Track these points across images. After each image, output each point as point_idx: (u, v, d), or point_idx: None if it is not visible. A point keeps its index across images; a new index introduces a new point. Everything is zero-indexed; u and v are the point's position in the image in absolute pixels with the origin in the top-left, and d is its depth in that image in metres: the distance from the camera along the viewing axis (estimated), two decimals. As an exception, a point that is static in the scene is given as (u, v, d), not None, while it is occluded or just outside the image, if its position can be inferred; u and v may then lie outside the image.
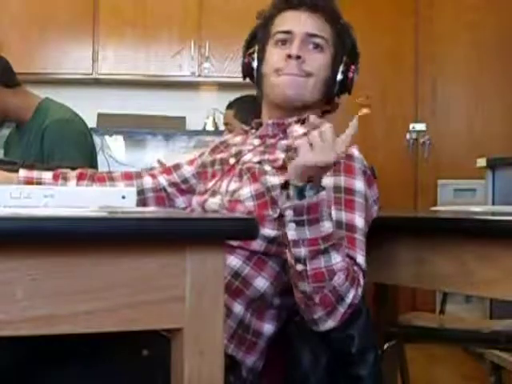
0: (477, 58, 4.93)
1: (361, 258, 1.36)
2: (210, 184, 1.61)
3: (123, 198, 1.26)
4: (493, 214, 2.11)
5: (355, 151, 1.48)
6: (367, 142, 4.84)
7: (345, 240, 1.36)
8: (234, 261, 1.42)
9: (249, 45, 1.68)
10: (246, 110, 3.42)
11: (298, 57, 1.56)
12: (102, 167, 3.91)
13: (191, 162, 1.74)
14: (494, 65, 4.94)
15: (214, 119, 5.21)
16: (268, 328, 1.44)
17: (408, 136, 4.99)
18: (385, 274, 1.80)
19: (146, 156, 5.19)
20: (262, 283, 1.43)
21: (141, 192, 1.69)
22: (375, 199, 1.50)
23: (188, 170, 1.73)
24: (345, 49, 1.61)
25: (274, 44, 1.61)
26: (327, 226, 1.27)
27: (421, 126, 4.99)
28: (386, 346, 2.14)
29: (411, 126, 4.99)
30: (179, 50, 4.98)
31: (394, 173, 4.83)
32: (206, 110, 5.24)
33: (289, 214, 1.28)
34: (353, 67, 1.62)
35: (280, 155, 1.52)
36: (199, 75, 5.08)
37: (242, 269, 1.43)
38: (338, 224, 1.37)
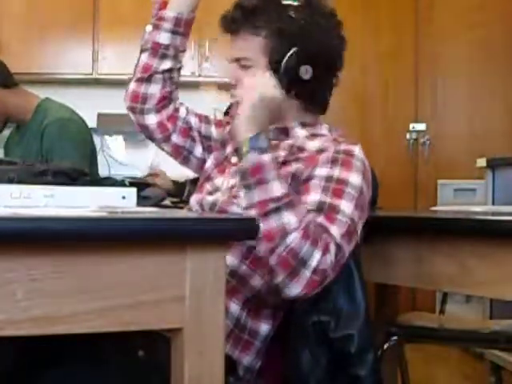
0: (477, 58, 4.93)
1: (336, 232, 1.33)
2: (216, 181, 1.61)
3: (123, 198, 1.26)
4: (493, 214, 2.11)
5: (357, 149, 1.48)
6: (367, 142, 4.84)
7: (321, 214, 1.35)
8: (230, 259, 1.43)
9: None
10: None
11: (232, 84, 1.61)
12: (102, 167, 3.90)
13: (219, 125, 1.75)
14: (494, 65, 4.93)
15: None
16: (264, 327, 1.44)
17: (408, 136, 4.99)
18: (385, 274, 1.80)
19: (146, 156, 5.18)
20: (257, 281, 1.43)
21: (176, 111, 1.70)
22: (368, 201, 1.48)
23: (214, 132, 1.73)
24: (287, 45, 1.52)
25: None
26: (277, 187, 1.29)
27: (421, 126, 4.99)
28: (385, 346, 2.14)
29: (411, 125, 4.99)
30: (179, 50, 4.98)
31: (394, 173, 4.83)
32: (206, 110, 5.23)
33: (238, 181, 1.33)
34: (297, 60, 1.51)
35: (281, 153, 1.52)
36: (199, 75, 5.07)
37: (238, 268, 1.43)
38: (320, 204, 1.36)
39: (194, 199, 1.63)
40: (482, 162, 3.76)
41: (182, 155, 1.72)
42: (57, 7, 4.89)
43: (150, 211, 1.25)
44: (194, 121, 1.72)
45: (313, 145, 1.52)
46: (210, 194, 1.58)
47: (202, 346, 1.04)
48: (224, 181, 1.57)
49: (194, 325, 1.04)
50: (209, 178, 1.64)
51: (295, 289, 1.29)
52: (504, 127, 4.91)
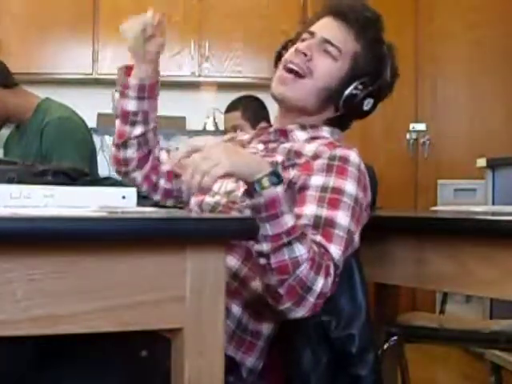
0: (477, 58, 4.93)
1: (335, 251, 1.34)
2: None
3: (123, 198, 1.26)
4: (493, 214, 2.11)
5: (352, 155, 1.47)
6: (367, 142, 4.84)
7: (319, 231, 1.35)
8: (233, 261, 1.42)
9: (285, 45, 1.69)
10: (253, 109, 3.40)
11: (304, 54, 1.57)
12: (102, 167, 3.90)
13: None
14: (494, 65, 4.94)
15: (214, 119, 5.21)
16: (266, 328, 1.44)
17: (408, 136, 4.99)
18: (385, 274, 1.80)
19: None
20: (259, 283, 1.42)
21: (156, 160, 1.71)
22: (366, 205, 1.48)
23: None
24: (370, 71, 1.59)
25: (298, 42, 1.64)
26: (288, 219, 1.26)
27: (421, 126, 4.99)
28: (385, 346, 2.14)
29: (411, 125, 4.99)
30: (179, 50, 4.99)
31: (394, 173, 4.83)
32: (205, 109, 5.24)
33: (248, 212, 1.29)
34: (364, 95, 1.59)
35: (278, 158, 1.52)
36: (199, 75, 5.08)
37: (240, 270, 1.43)
38: (317, 219, 1.36)
39: (193, 201, 1.63)
40: (482, 162, 3.76)
41: (172, 197, 1.74)
42: (57, 7, 4.90)
43: (149, 211, 1.25)
44: (164, 168, 1.74)
45: (309, 149, 1.52)
46: (210, 196, 1.59)
47: (202, 346, 1.04)
48: (222, 185, 1.58)
49: (194, 325, 1.04)
50: None
51: (300, 313, 1.30)
52: (504, 127, 4.91)
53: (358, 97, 1.59)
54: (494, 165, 3.71)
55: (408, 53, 5.00)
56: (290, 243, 1.25)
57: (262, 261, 1.28)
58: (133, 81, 1.65)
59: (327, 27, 1.61)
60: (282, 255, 1.26)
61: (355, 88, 1.59)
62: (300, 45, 1.60)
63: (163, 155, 1.74)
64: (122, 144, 1.68)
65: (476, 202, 4.23)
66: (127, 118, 1.66)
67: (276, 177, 1.25)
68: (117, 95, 1.70)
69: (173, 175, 1.71)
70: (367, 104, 1.61)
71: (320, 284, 1.28)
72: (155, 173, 1.71)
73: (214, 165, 1.20)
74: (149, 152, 1.71)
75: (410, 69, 5.01)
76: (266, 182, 1.24)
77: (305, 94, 1.58)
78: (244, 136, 1.73)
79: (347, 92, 1.58)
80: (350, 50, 1.59)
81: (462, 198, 4.55)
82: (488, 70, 4.93)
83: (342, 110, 1.60)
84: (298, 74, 1.58)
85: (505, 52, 4.89)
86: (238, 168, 1.24)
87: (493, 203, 3.66)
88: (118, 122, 1.69)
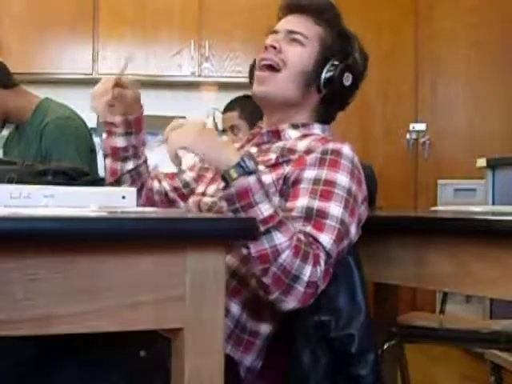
0: (477, 58, 4.93)
1: (325, 240, 1.34)
2: (209, 187, 1.63)
3: (123, 198, 1.26)
4: (493, 214, 2.11)
5: (345, 148, 1.48)
6: (367, 142, 4.84)
7: (310, 223, 1.35)
8: (232, 260, 1.43)
9: (254, 63, 1.72)
10: (251, 108, 3.39)
11: (273, 47, 1.60)
12: (102, 167, 3.90)
13: (192, 168, 1.78)
14: (493, 65, 4.94)
15: (214, 119, 5.21)
16: (265, 328, 1.44)
17: (408, 136, 4.99)
18: (385, 273, 1.80)
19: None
20: None
21: (150, 191, 1.73)
22: (363, 199, 1.48)
23: (189, 175, 1.77)
24: (339, 49, 1.62)
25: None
26: (265, 208, 1.26)
27: (421, 126, 4.99)
28: (386, 346, 2.14)
29: (411, 126, 4.99)
30: (179, 50, 4.99)
31: (394, 173, 4.83)
32: (206, 109, 5.24)
33: (224, 205, 1.30)
34: (341, 70, 1.60)
35: (272, 155, 1.53)
36: (199, 75, 5.08)
37: (239, 268, 1.44)
38: (308, 211, 1.37)
39: (191, 201, 1.64)
40: (482, 162, 3.76)
41: None
42: (57, 7, 4.90)
43: (149, 211, 1.25)
44: (166, 185, 1.77)
45: (302, 145, 1.53)
46: (208, 196, 1.60)
47: (202, 346, 1.04)
48: (215, 186, 1.59)
49: (194, 325, 1.04)
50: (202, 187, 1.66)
51: (290, 304, 1.30)
52: (504, 127, 4.91)
53: (337, 72, 1.60)
54: (494, 165, 3.71)
55: (408, 53, 5.00)
56: (268, 231, 1.26)
57: (244, 251, 1.29)
58: (118, 118, 1.66)
59: (287, 21, 1.66)
60: (261, 244, 1.27)
61: (332, 65, 1.61)
62: (267, 41, 1.63)
63: (155, 183, 1.76)
64: (116, 181, 1.70)
65: (476, 201, 4.23)
66: (117, 154, 1.69)
67: (242, 168, 1.26)
68: (104, 135, 1.72)
69: (166, 203, 1.74)
70: (347, 78, 1.62)
71: (308, 272, 1.28)
72: (150, 202, 1.73)
73: (177, 138, 1.29)
74: (142, 185, 1.72)
75: (410, 69, 5.01)
76: (233, 173, 1.26)
77: (285, 86, 1.60)
78: (236, 144, 1.73)
79: (325, 70, 1.60)
80: (314, 34, 1.62)
81: (461, 197, 4.55)
82: (488, 70, 4.93)
83: (324, 89, 1.61)
84: (273, 69, 1.60)
85: (504, 52, 4.89)
86: (203, 150, 1.29)
87: (493, 203, 3.66)
88: (108, 160, 1.71)
